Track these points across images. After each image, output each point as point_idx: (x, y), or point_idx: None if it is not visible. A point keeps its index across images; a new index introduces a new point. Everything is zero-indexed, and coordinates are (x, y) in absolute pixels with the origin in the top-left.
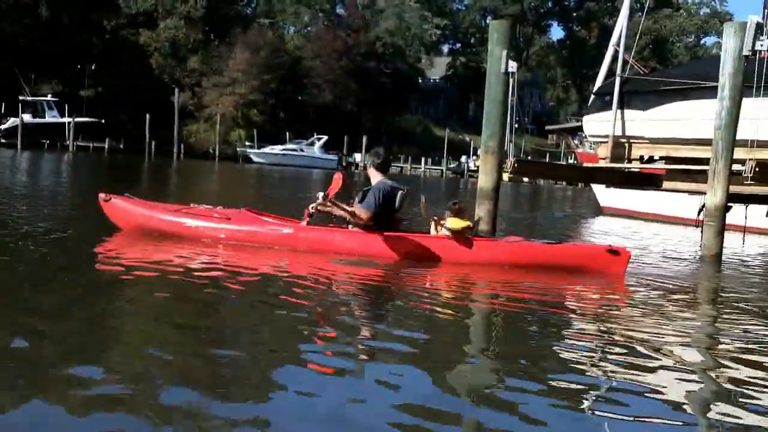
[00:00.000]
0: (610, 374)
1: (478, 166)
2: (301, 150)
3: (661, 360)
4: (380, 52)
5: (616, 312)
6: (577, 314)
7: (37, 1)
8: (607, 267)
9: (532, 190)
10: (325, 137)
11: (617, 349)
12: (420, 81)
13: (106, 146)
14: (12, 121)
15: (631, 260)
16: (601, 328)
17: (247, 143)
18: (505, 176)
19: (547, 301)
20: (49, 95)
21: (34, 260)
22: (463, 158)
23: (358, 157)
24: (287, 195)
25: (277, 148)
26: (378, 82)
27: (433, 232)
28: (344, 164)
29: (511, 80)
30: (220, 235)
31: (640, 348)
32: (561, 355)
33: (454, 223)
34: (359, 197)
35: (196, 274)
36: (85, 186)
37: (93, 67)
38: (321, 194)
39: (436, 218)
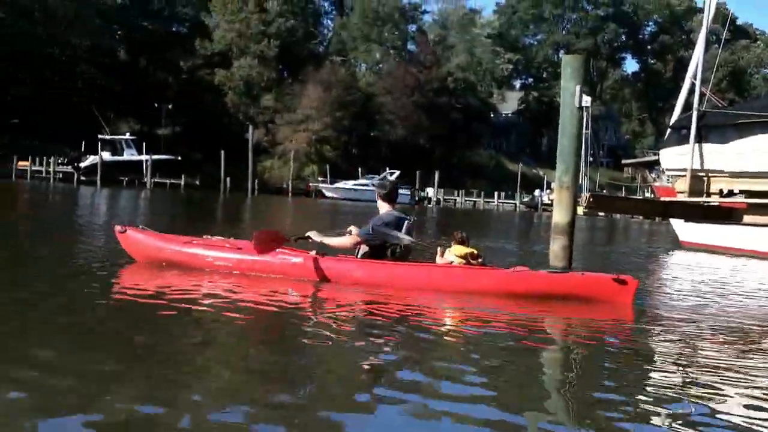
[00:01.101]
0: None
1: (552, 200)
2: (373, 185)
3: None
4: (452, 87)
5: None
6: (582, 346)
7: (115, 43)
8: (614, 296)
9: (608, 223)
10: (397, 172)
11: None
12: (492, 115)
13: (183, 183)
14: (92, 159)
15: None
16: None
17: (320, 178)
18: (580, 210)
19: (543, 330)
20: (128, 134)
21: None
22: (537, 192)
23: (430, 191)
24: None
25: (349, 183)
26: (450, 117)
27: (438, 260)
28: (416, 199)
29: (584, 114)
30: (232, 264)
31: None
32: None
33: (458, 250)
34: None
35: (223, 304)
36: (157, 221)
37: (170, 107)
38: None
39: (440, 248)
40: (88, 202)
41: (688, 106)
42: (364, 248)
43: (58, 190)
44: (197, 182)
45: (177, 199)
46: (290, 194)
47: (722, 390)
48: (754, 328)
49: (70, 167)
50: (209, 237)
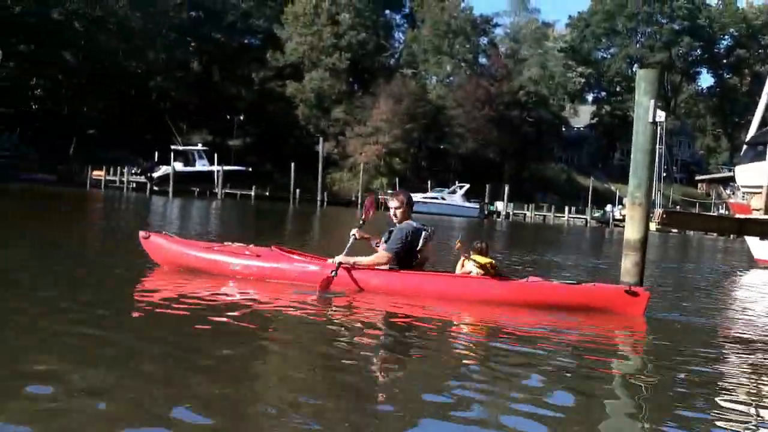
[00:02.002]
0: None
1: (623, 216)
2: (443, 198)
3: None
4: (523, 100)
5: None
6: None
7: (189, 56)
8: (625, 308)
9: (681, 240)
10: (467, 185)
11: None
12: (563, 129)
13: (253, 194)
14: (164, 170)
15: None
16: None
17: (389, 191)
18: (653, 226)
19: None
20: (200, 145)
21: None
22: (608, 207)
23: (499, 205)
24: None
25: (418, 196)
26: (521, 130)
27: (458, 270)
28: (485, 212)
29: (658, 129)
30: (250, 271)
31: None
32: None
33: (477, 260)
34: (385, 237)
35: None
36: (227, 230)
37: (241, 118)
38: (355, 231)
39: (465, 255)
40: (160, 212)
41: (765, 122)
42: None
43: (131, 199)
44: (267, 193)
45: (247, 210)
46: (359, 206)
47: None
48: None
49: (143, 177)
50: (230, 244)
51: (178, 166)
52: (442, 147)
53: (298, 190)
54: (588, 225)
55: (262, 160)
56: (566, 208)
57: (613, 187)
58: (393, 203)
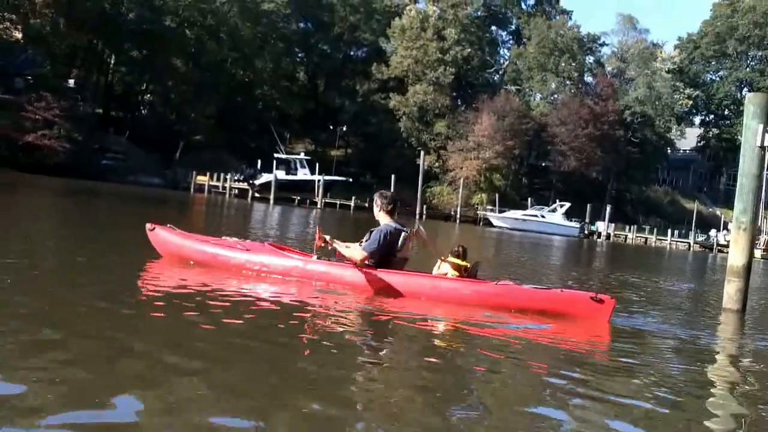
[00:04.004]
0: None
1: (728, 241)
2: (542, 216)
3: None
4: (628, 120)
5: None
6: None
7: (295, 66)
8: (591, 315)
9: None
10: (568, 204)
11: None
12: (669, 151)
13: (352, 204)
14: (266, 177)
15: None
16: None
17: (488, 207)
18: (758, 253)
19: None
20: (302, 153)
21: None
22: (712, 232)
23: (600, 226)
24: (526, 259)
25: (518, 213)
26: (625, 150)
27: (435, 271)
28: (585, 232)
29: (767, 154)
30: (241, 263)
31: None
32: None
33: (453, 263)
34: (366, 237)
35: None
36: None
37: (344, 129)
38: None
39: (442, 257)
40: (260, 218)
41: None
42: (369, 260)
43: (233, 205)
44: (366, 204)
45: (345, 220)
46: (458, 221)
47: None
48: None
49: (245, 183)
50: (227, 238)
51: (280, 174)
52: (543, 164)
53: (397, 202)
54: (691, 249)
55: (363, 171)
56: (669, 232)
57: (718, 212)
58: (377, 203)
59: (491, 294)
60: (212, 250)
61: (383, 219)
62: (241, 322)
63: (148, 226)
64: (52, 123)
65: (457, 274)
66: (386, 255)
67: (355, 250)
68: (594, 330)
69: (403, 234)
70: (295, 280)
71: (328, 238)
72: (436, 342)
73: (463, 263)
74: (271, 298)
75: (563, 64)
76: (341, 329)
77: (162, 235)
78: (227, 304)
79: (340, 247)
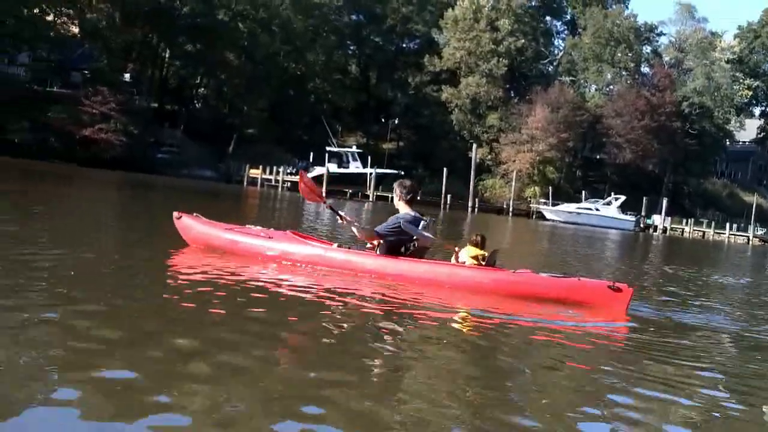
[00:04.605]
0: None
1: None
2: (597, 209)
3: None
4: (686, 112)
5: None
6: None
7: (347, 58)
8: (608, 303)
9: None
10: (623, 197)
11: None
12: (728, 143)
13: None
14: (318, 170)
15: None
16: None
17: (541, 200)
18: None
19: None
20: (354, 146)
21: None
22: None
23: (657, 219)
24: (581, 253)
25: (571, 207)
26: (682, 142)
27: (453, 259)
28: (641, 225)
29: None
30: (264, 252)
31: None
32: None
33: (471, 251)
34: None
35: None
36: None
37: (396, 122)
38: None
39: (457, 249)
40: (312, 210)
41: None
42: (383, 246)
43: (285, 198)
44: (418, 198)
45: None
46: (510, 214)
47: None
48: None
49: (297, 177)
50: (250, 226)
51: (332, 167)
52: (598, 157)
53: (449, 195)
54: (750, 243)
55: (415, 164)
56: (727, 225)
57: None
58: (396, 192)
59: (509, 282)
60: (236, 237)
61: (402, 208)
62: (263, 310)
63: (175, 214)
64: (109, 117)
65: (475, 262)
66: (402, 243)
67: (366, 232)
68: (611, 317)
69: (422, 223)
70: (316, 268)
71: (343, 213)
72: (457, 331)
73: (481, 252)
74: (291, 287)
75: (619, 55)
76: (360, 319)
77: (188, 223)
78: (239, 289)
79: (353, 224)
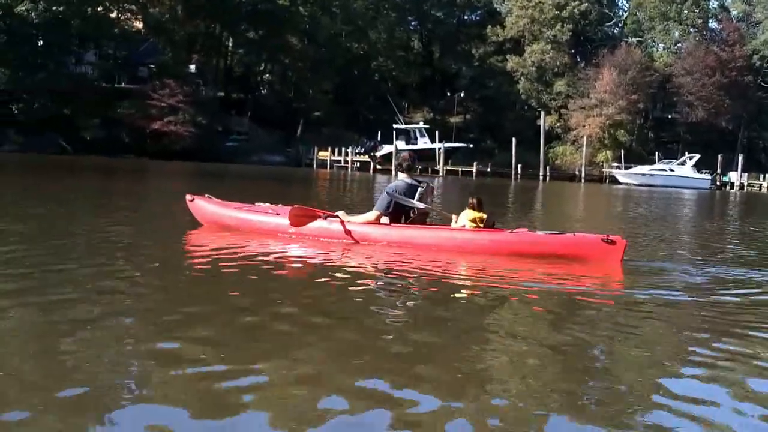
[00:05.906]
0: None
1: None
2: (671, 170)
3: None
4: (757, 65)
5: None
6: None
7: (410, 35)
8: (603, 257)
9: None
10: (697, 156)
11: None
12: None
13: (474, 170)
14: (387, 148)
15: None
16: None
17: (614, 164)
18: None
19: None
20: (421, 122)
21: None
22: None
23: (733, 176)
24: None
25: (645, 169)
26: (755, 97)
27: (453, 224)
28: (717, 184)
29: None
30: (272, 228)
31: None
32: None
33: (469, 215)
34: (376, 197)
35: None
36: (448, 207)
37: (462, 95)
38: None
39: (455, 216)
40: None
41: None
42: (384, 218)
43: (355, 178)
44: (488, 169)
45: (467, 186)
46: (582, 181)
47: None
48: None
49: (366, 156)
50: (260, 204)
51: (401, 144)
52: (669, 117)
53: (519, 165)
54: None
55: (483, 136)
56: None
57: None
58: (394, 163)
59: (507, 242)
60: (245, 216)
61: (401, 176)
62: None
63: (188, 197)
64: (177, 109)
65: (474, 225)
66: (402, 211)
67: (366, 216)
68: (605, 271)
69: (419, 189)
70: (323, 240)
71: (340, 214)
72: (458, 293)
73: (479, 214)
74: (295, 260)
75: (686, 12)
76: (364, 287)
77: (200, 205)
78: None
79: (353, 218)
